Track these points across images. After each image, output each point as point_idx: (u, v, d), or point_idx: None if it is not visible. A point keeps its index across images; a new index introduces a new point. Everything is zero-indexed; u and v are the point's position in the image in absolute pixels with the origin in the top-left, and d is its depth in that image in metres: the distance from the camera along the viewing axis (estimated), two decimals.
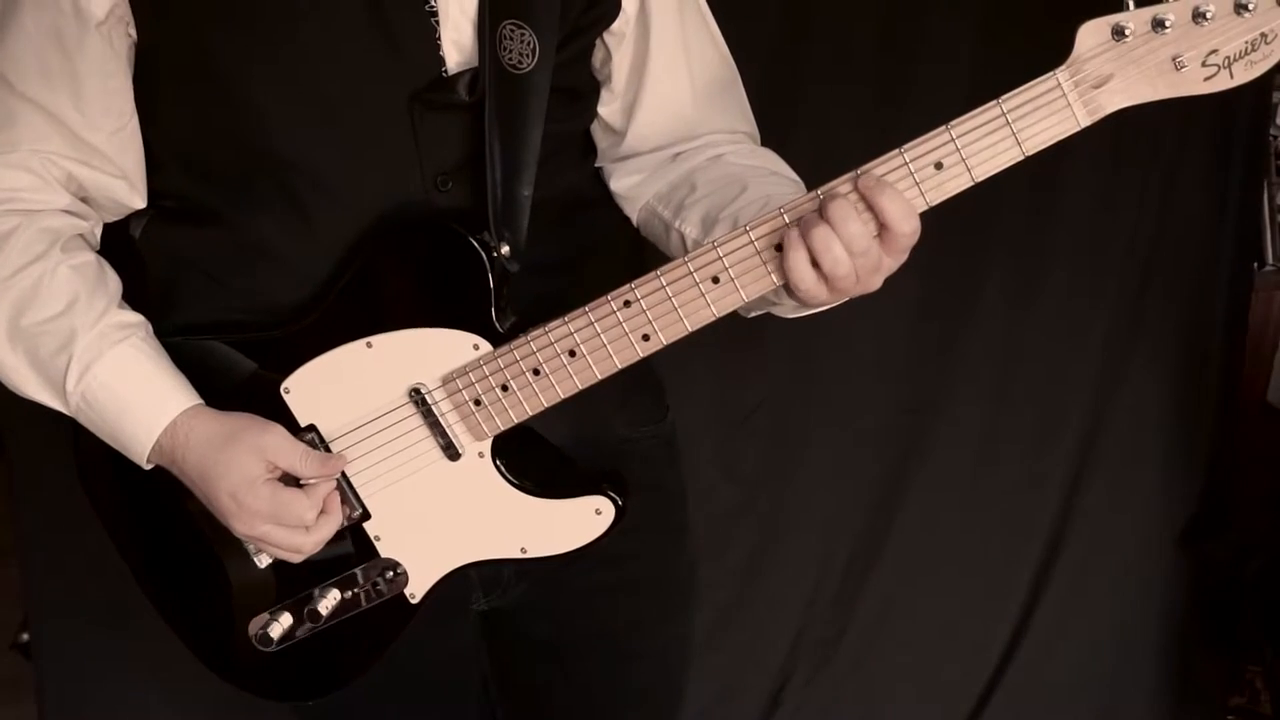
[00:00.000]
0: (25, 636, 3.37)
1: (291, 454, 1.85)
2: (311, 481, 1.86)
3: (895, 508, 3.61)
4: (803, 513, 3.58)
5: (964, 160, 1.64)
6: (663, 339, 1.78)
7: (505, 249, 1.83)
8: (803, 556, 3.61)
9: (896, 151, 1.65)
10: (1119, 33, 1.56)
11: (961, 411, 3.55)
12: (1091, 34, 1.58)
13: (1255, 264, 3.65)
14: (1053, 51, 3.11)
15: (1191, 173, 3.44)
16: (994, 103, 1.62)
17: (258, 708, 3.04)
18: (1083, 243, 3.45)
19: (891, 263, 1.70)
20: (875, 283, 1.71)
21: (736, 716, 3.66)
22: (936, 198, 1.67)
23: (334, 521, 1.88)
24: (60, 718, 3.32)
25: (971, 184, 1.66)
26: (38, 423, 3.02)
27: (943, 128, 1.64)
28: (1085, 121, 1.61)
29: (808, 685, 3.69)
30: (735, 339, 2.91)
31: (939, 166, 1.64)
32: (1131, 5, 1.55)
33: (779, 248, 1.70)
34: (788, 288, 1.71)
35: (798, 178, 2.02)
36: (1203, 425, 3.63)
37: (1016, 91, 1.62)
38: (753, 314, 1.90)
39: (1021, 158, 1.64)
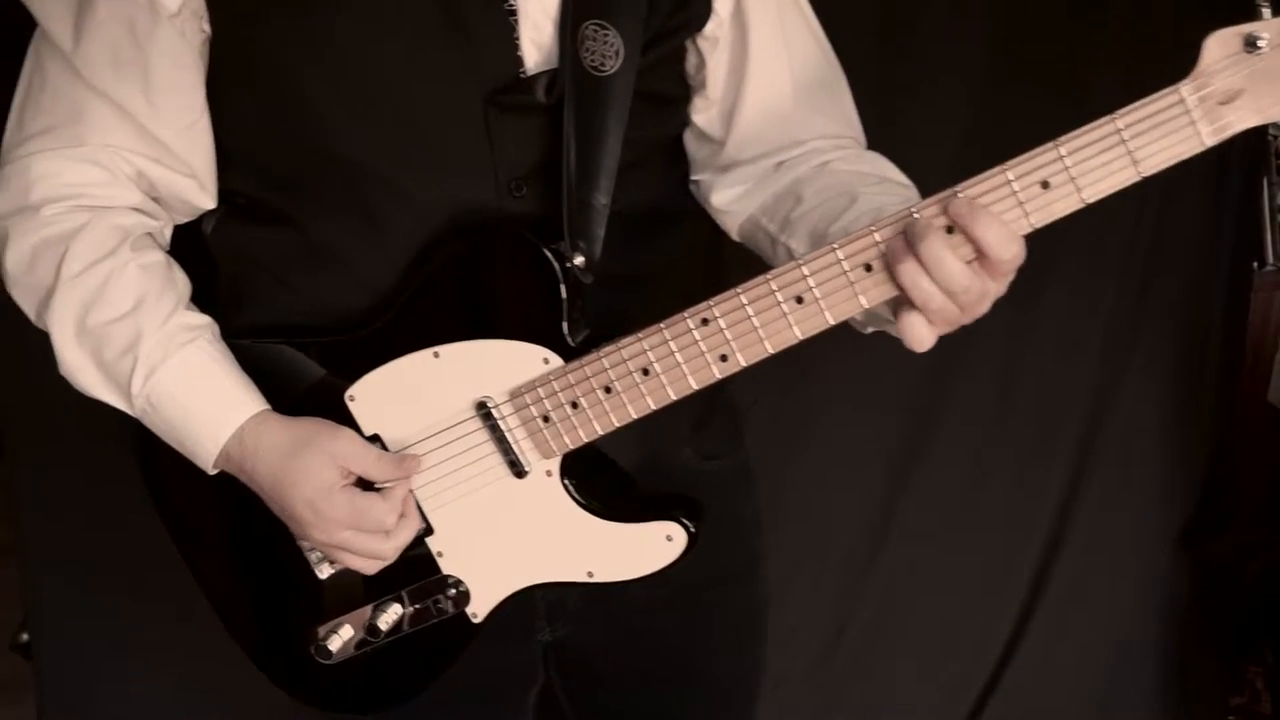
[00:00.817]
0: (25, 636, 3.28)
1: (365, 458, 1.74)
2: (387, 485, 1.75)
3: (895, 506, 3.50)
4: (801, 511, 3.48)
5: (1073, 180, 1.48)
6: (741, 360, 1.65)
7: (579, 259, 1.71)
8: (801, 555, 3.49)
9: (1000, 169, 1.50)
10: (1252, 44, 1.38)
11: (961, 411, 3.45)
12: (1220, 45, 1.41)
13: (1255, 264, 3.53)
14: (1055, 49, 3.06)
15: (1191, 173, 3.35)
16: (1108, 118, 1.45)
17: (259, 708, 2.94)
18: (1083, 243, 3.32)
19: (997, 288, 1.55)
20: (982, 309, 1.56)
21: None
22: (1041, 220, 1.51)
23: (413, 525, 1.78)
24: (60, 718, 3.23)
25: (1081, 206, 1.50)
26: (38, 423, 2.94)
27: (1051, 144, 1.47)
28: (1210, 141, 1.45)
29: (805, 683, 3.57)
30: None
31: (1045, 186, 1.49)
32: (1268, 14, 1.41)
33: (869, 268, 1.55)
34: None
35: (909, 181, 1.86)
36: (1203, 425, 3.54)
37: (1134, 107, 1.45)
38: (869, 330, 1.77)
39: (1137, 179, 1.48)
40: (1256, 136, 3.39)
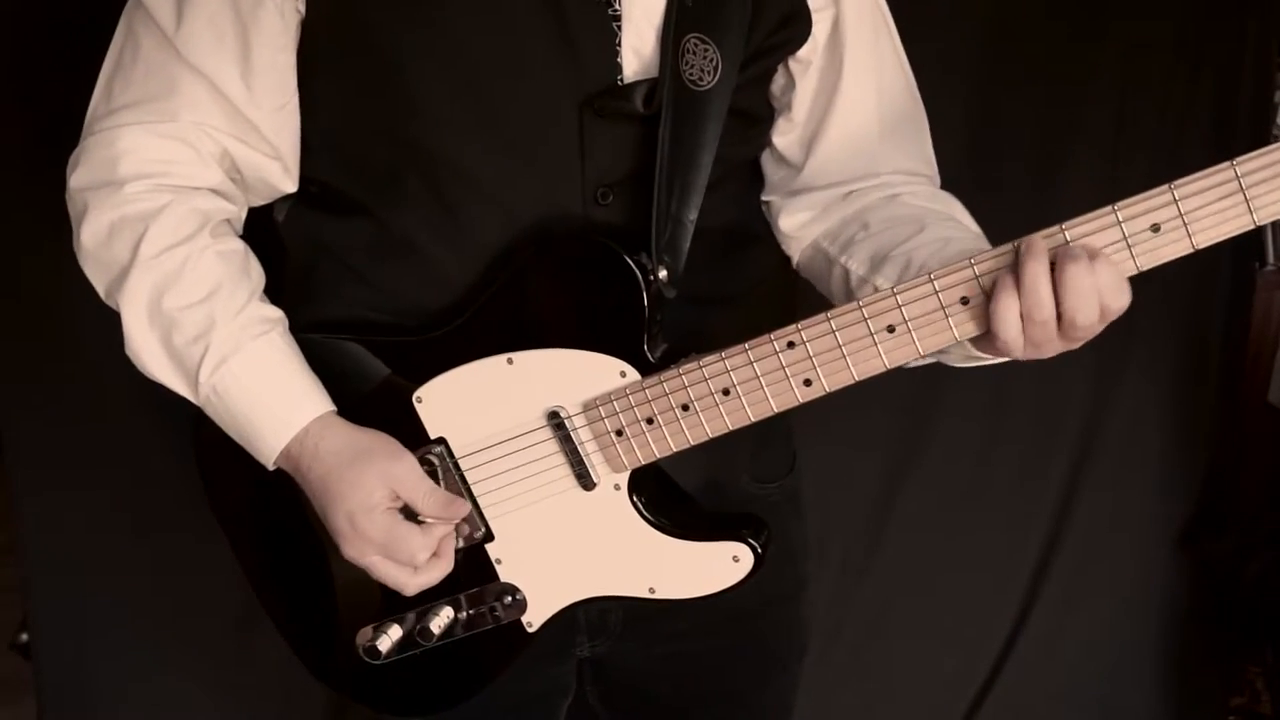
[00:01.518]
0: (25, 636, 3.24)
1: (416, 488, 1.68)
2: (430, 520, 1.69)
3: (894, 505, 3.45)
4: None
5: (1185, 225, 1.44)
6: (826, 386, 1.59)
7: (663, 273, 1.65)
8: None
9: (1109, 209, 1.45)
10: None
11: (959, 411, 3.39)
12: None
13: (1255, 264, 3.51)
14: (1055, 50, 3.01)
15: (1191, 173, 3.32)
16: (1227, 165, 1.41)
17: (259, 707, 2.89)
18: None
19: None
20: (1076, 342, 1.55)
21: None
22: (1149, 263, 1.47)
23: (443, 568, 1.72)
24: (60, 718, 3.17)
25: (1190, 251, 1.45)
26: (38, 423, 2.89)
27: (1165, 187, 1.43)
28: None
29: (804, 681, 3.53)
30: None
31: (1155, 229, 1.44)
32: None
33: (965, 301, 1.51)
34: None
35: (979, 230, 1.81)
36: (1203, 425, 3.49)
37: (1255, 154, 1.41)
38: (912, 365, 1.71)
39: (1252, 227, 1.43)
40: (1256, 137, 3.36)
